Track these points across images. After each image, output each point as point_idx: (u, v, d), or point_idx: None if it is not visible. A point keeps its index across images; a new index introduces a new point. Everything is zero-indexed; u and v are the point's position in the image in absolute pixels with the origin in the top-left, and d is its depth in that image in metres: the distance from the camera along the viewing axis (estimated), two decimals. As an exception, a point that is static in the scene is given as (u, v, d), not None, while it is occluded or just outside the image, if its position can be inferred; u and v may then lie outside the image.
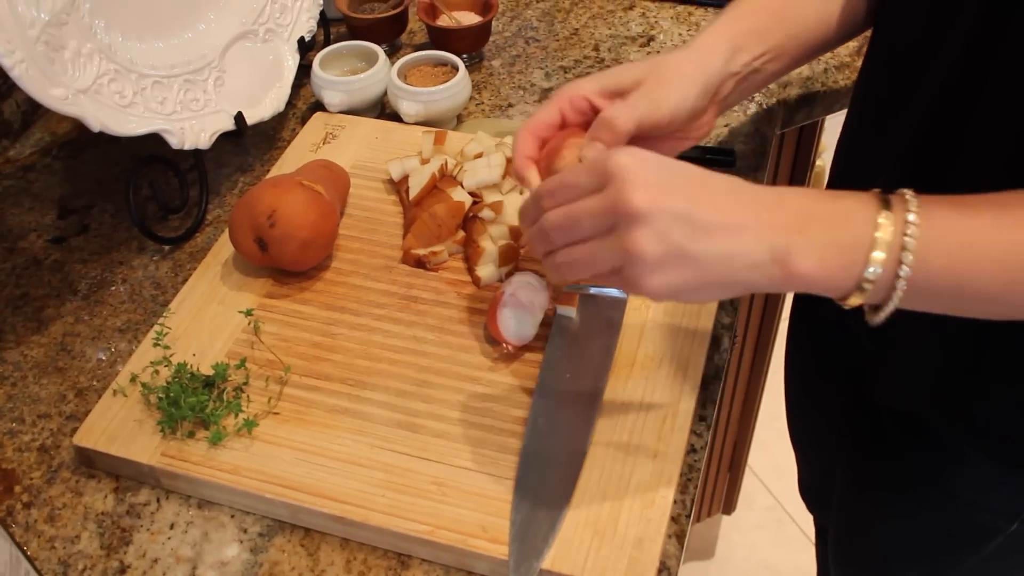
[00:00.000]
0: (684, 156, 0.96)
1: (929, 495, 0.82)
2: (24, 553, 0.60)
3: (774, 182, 1.24)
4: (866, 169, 0.76)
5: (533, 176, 0.68)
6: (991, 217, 0.55)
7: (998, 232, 0.55)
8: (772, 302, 1.46)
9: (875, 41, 0.77)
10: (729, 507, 1.83)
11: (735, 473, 1.75)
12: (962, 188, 0.57)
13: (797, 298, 0.99)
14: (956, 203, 0.56)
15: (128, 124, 0.85)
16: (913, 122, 0.69)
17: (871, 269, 0.54)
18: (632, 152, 0.56)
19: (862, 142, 0.79)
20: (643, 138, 0.69)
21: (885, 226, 0.54)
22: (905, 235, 0.54)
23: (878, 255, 0.54)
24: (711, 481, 1.72)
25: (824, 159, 1.34)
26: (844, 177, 0.83)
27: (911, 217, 0.54)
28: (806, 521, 1.92)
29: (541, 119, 0.69)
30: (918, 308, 0.57)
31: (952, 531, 0.83)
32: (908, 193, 0.56)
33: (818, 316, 0.95)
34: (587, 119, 0.69)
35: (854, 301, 0.56)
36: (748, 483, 1.98)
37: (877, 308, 0.57)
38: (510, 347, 0.79)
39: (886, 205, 0.55)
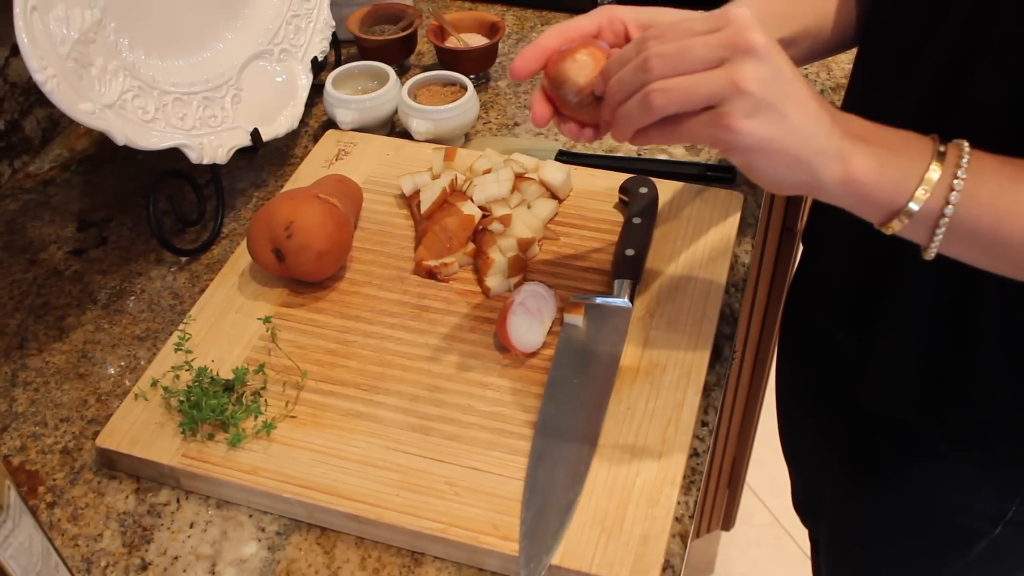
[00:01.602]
0: (685, 174, 1.00)
1: (914, 498, 0.85)
2: (53, 546, 0.62)
3: (772, 198, 1.27)
4: None
5: (524, 63, 0.66)
6: None
7: None
8: (771, 318, 1.49)
9: (863, 51, 0.80)
10: (728, 523, 1.85)
11: (734, 489, 1.78)
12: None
13: (787, 307, 1.02)
14: (1002, 159, 0.60)
15: (151, 138, 0.88)
16: (903, 121, 0.72)
17: (922, 190, 0.58)
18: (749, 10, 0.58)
19: None
20: None
21: (938, 162, 0.59)
22: (958, 168, 0.58)
23: (933, 174, 0.58)
24: (710, 497, 1.74)
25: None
26: None
27: (964, 158, 0.59)
28: (804, 538, 1.94)
29: (578, 26, 0.67)
30: (958, 249, 0.61)
31: (938, 534, 0.85)
32: (964, 143, 0.60)
33: (807, 324, 0.97)
34: (619, 43, 0.67)
35: (895, 225, 0.60)
36: (747, 500, 2.00)
37: (924, 249, 0.61)
38: (519, 354, 0.82)
39: (943, 144, 0.60)
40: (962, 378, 0.75)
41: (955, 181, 0.58)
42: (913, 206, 0.58)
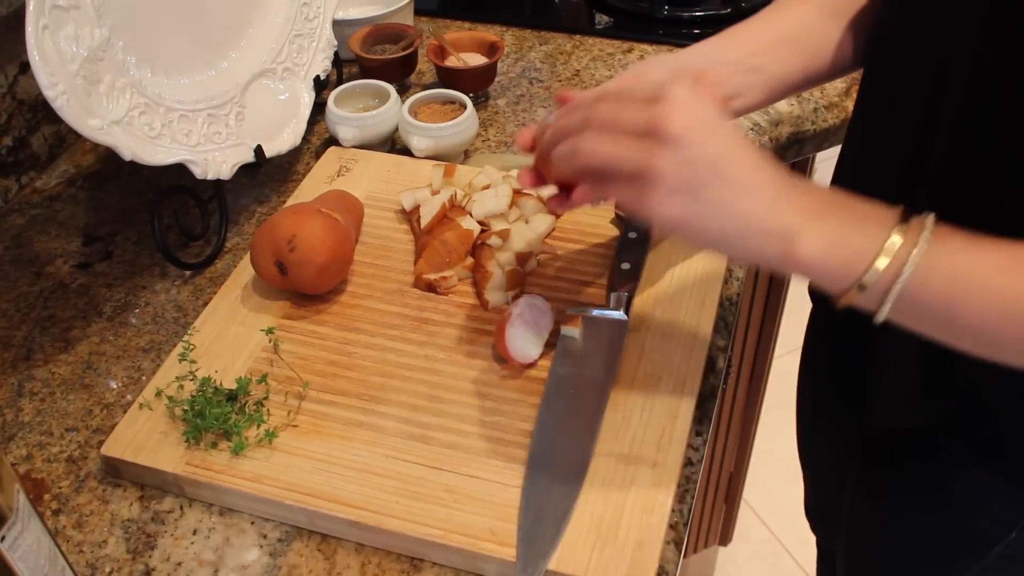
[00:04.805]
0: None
1: (931, 502, 0.85)
2: (60, 549, 0.64)
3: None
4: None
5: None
6: (996, 258, 0.57)
7: (999, 271, 0.57)
8: (766, 336, 1.51)
9: (867, 79, 0.82)
10: (725, 539, 1.86)
11: (731, 505, 1.79)
12: (958, 214, 0.60)
13: (813, 319, 1.03)
14: (969, 237, 0.58)
15: (157, 154, 0.90)
16: (905, 151, 0.73)
17: (872, 271, 0.57)
18: (691, 88, 0.59)
19: (858, 173, 0.83)
20: None
21: (896, 239, 0.57)
22: (913, 250, 0.57)
23: (882, 261, 0.57)
24: (707, 512, 1.75)
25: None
26: None
27: (924, 234, 0.57)
28: (801, 554, 1.95)
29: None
30: (909, 324, 0.60)
31: (954, 538, 0.85)
32: (929, 216, 0.58)
33: (833, 335, 0.98)
34: None
35: (846, 300, 0.59)
36: (744, 516, 2.01)
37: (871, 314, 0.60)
38: (517, 365, 0.83)
39: (904, 220, 0.58)
40: (972, 385, 0.76)
41: (906, 266, 0.56)
42: (867, 280, 0.57)
